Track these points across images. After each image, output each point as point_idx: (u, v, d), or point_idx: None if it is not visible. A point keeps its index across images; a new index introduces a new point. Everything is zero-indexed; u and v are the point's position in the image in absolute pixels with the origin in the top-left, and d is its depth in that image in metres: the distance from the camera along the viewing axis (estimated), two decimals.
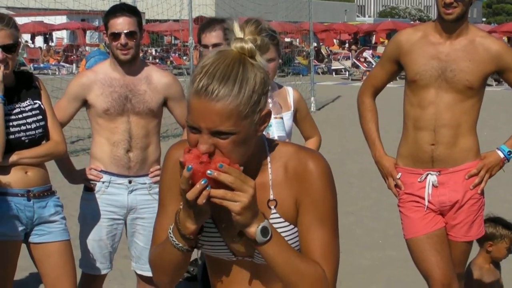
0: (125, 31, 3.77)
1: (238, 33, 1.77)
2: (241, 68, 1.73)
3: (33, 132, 3.51)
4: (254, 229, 1.74)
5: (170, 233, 1.83)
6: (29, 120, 3.50)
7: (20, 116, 3.48)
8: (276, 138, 3.33)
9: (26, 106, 3.52)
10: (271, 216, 1.87)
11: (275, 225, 1.85)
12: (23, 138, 3.47)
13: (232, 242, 1.89)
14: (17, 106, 3.50)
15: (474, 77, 3.54)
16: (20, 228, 3.48)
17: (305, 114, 3.97)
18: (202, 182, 1.69)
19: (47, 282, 3.60)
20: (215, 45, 3.94)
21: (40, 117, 3.54)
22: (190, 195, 1.70)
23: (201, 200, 1.70)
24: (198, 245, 1.90)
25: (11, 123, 3.44)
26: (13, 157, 3.45)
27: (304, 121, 3.97)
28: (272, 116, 3.57)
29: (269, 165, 1.88)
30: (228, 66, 1.72)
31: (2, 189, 3.44)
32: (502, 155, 3.66)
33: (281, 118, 3.51)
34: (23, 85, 3.56)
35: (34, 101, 3.55)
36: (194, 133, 1.74)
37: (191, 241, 1.82)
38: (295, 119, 3.92)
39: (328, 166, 1.89)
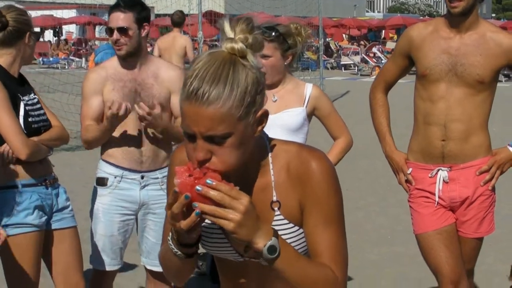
0: (116, 27, 3.76)
1: (229, 32, 1.74)
2: (231, 69, 1.69)
3: (46, 122, 3.59)
4: (260, 246, 1.70)
5: (169, 240, 1.81)
6: (41, 112, 3.58)
7: (36, 107, 3.56)
8: None
9: (34, 99, 3.59)
10: (275, 218, 1.85)
11: (279, 227, 1.83)
12: (42, 129, 3.56)
13: (238, 248, 1.87)
14: (29, 98, 3.56)
15: (485, 71, 3.52)
16: (44, 218, 3.55)
17: (328, 113, 3.91)
18: (184, 198, 1.64)
19: (57, 270, 3.64)
20: None
21: (43, 109, 3.62)
22: (175, 208, 1.67)
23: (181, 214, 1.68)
24: (203, 246, 1.89)
25: (32, 113, 3.51)
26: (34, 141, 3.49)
27: (327, 120, 3.92)
28: None
29: (270, 166, 1.85)
30: (218, 68, 1.69)
31: (26, 180, 3.50)
32: None
33: None
34: (23, 79, 3.64)
35: (34, 95, 3.63)
36: (190, 141, 1.72)
37: (189, 249, 1.80)
38: (318, 118, 3.89)
39: (332, 165, 1.86)
